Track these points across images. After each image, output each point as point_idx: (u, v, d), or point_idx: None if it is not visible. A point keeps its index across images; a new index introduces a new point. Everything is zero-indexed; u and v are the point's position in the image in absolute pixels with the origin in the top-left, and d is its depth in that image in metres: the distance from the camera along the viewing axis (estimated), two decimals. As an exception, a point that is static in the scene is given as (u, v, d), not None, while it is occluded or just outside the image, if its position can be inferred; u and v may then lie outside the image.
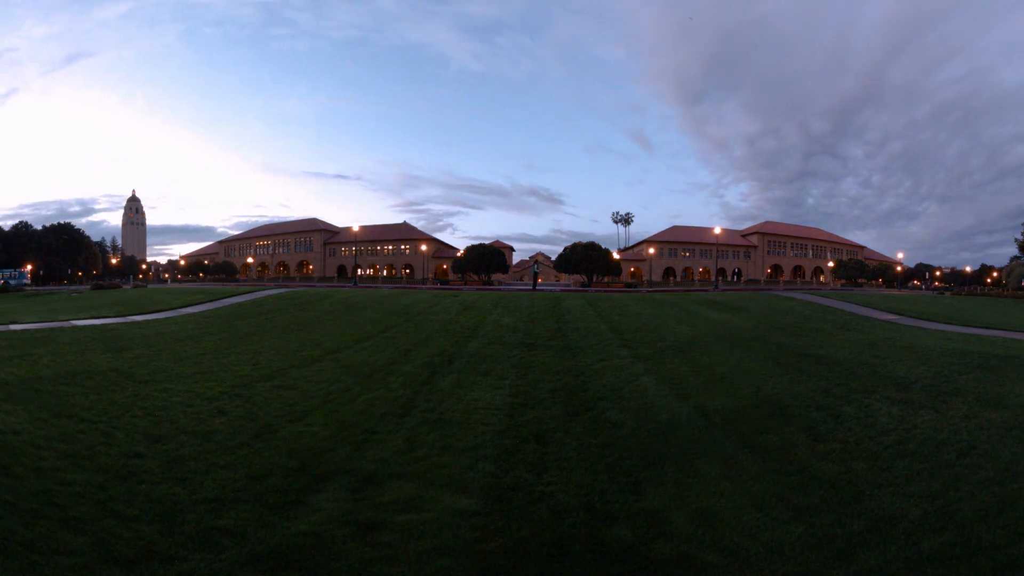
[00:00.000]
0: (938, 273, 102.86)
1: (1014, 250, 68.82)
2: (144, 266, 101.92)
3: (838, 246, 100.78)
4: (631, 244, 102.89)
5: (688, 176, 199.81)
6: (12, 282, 52.95)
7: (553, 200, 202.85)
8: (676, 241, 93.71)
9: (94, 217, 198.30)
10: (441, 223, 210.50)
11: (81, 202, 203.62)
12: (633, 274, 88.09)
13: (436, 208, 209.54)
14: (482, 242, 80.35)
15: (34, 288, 51.11)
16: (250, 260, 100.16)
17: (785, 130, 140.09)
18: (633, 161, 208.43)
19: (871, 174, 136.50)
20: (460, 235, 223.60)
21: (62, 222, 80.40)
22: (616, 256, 78.85)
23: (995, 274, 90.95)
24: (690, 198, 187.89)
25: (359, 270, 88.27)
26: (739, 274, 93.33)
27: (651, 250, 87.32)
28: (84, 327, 16.35)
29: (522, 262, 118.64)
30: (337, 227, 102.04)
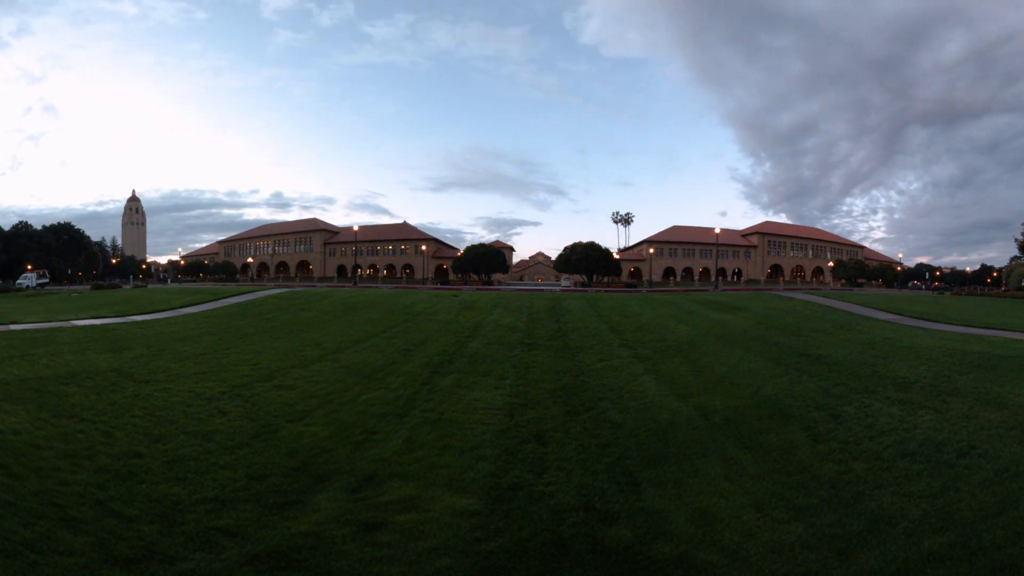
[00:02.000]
0: (938, 273, 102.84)
1: (1014, 250, 68.77)
2: (144, 266, 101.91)
3: (838, 246, 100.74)
4: (631, 244, 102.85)
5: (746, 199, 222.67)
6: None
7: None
8: (676, 241, 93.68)
9: (248, 211, 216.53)
10: (513, 230, 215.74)
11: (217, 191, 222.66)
12: (632, 274, 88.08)
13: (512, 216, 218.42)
14: (482, 242, 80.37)
15: (34, 288, 51.09)
16: (250, 260, 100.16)
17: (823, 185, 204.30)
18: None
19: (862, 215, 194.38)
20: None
21: (62, 222, 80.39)
22: (616, 256, 78.81)
23: (995, 274, 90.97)
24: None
25: (359, 270, 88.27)
26: (739, 274, 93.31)
27: (651, 250, 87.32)
28: (84, 327, 16.35)
29: (522, 262, 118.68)
30: (337, 227, 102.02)
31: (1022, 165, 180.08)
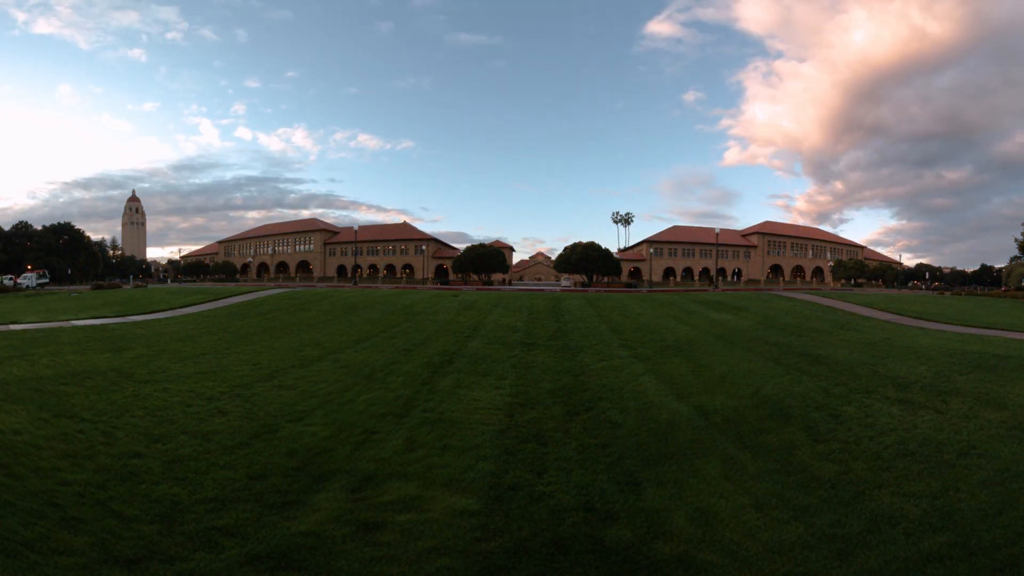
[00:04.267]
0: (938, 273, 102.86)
1: (1014, 250, 68.75)
2: (144, 266, 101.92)
3: (838, 246, 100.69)
4: (631, 244, 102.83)
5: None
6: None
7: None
8: (676, 241, 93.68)
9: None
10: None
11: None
12: (632, 274, 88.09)
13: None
14: (482, 242, 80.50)
15: (34, 288, 51.11)
16: (250, 260, 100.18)
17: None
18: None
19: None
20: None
21: (62, 222, 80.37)
22: (616, 256, 78.77)
23: (995, 274, 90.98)
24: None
25: (359, 270, 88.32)
26: (739, 274, 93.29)
27: (651, 250, 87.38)
28: (84, 327, 16.36)
29: (522, 262, 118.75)
30: (337, 227, 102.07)
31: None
